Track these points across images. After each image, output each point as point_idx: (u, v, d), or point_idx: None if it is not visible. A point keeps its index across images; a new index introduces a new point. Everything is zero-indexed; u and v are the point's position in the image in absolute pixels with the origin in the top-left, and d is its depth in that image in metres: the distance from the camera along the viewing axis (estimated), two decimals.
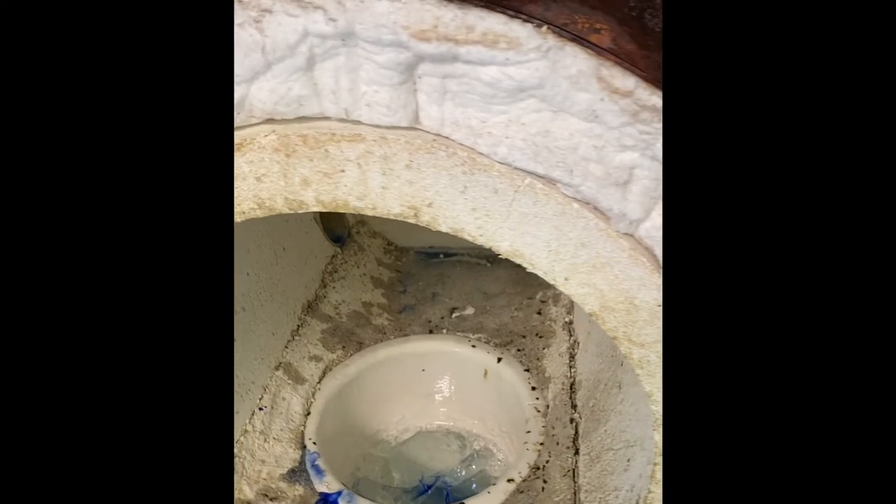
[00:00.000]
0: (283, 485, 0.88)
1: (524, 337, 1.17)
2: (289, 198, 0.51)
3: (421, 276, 1.42)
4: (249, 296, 0.99)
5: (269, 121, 0.49)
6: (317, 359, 1.10)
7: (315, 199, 0.50)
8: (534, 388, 1.05)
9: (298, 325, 1.14)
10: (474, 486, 1.14)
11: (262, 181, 0.50)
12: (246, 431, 0.91)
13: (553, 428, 0.97)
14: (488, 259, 1.48)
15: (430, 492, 1.13)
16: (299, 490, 0.88)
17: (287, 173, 0.49)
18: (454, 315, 1.27)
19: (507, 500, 0.87)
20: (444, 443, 1.25)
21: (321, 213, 1.39)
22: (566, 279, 0.52)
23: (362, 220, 1.48)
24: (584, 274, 0.51)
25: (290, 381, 1.03)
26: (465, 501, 0.87)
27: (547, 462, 0.93)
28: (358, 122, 0.48)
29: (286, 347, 1.07)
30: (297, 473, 0.90)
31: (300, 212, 0.51)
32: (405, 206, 0.51)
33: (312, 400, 1.04)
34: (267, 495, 0.85)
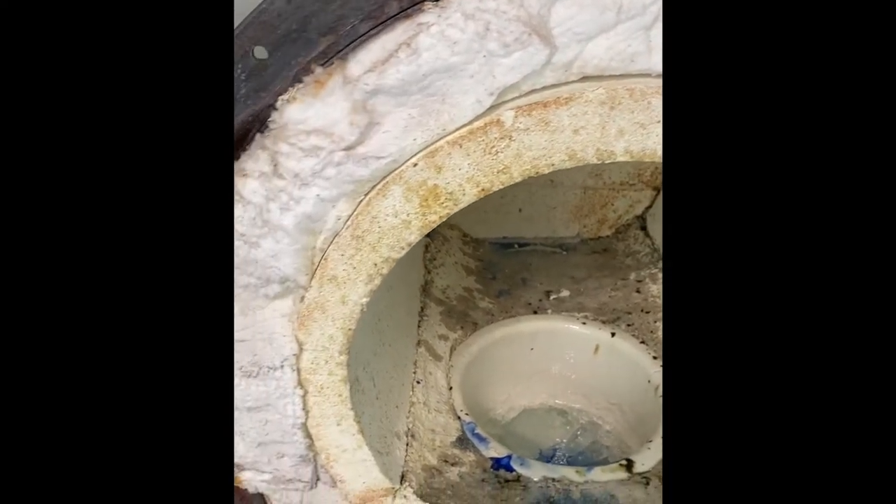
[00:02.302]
0: (456, 451, 0.91)
1: (630, 313, 1.24)
2: (600, 148, 0.56)
3: (504, 265, 1.47)
4: (388, 275, 1.03)
5: (585, 78, 0.54)
6: (444, 337, 1.14)
7: (625, 149, 0.56)
8: (655, 358, 1.12)
9: (422, 307, 1.17)
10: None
11: (579, 133, 0.55)
12: (413, 403, 0.94)
13: None
14: (562, 247, 1.55)
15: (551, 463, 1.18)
16: (471, 456, 0.91)
17: (605, 125, 0.55)
18: (551, 297, 1.33)
19: None
20: (547, 420, 1.30)
21: None
22: None
23: None
24: None
25: (431, 358, 1.06)
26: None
27: None
28: None
29: (419, 326, 1.11)
30: (464, 441, 0.93)
31: (607, 161, 0.57)
32: None
33: (449, 375, 1.07)
34: (447, 461, 0.88)
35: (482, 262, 1.47)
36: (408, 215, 0.59)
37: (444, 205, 0.58)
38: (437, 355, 1.08)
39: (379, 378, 0.84)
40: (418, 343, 1.07)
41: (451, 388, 1.04)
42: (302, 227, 0.60)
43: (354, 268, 0.62)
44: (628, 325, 1.20)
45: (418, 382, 0.98)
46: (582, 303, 1.29)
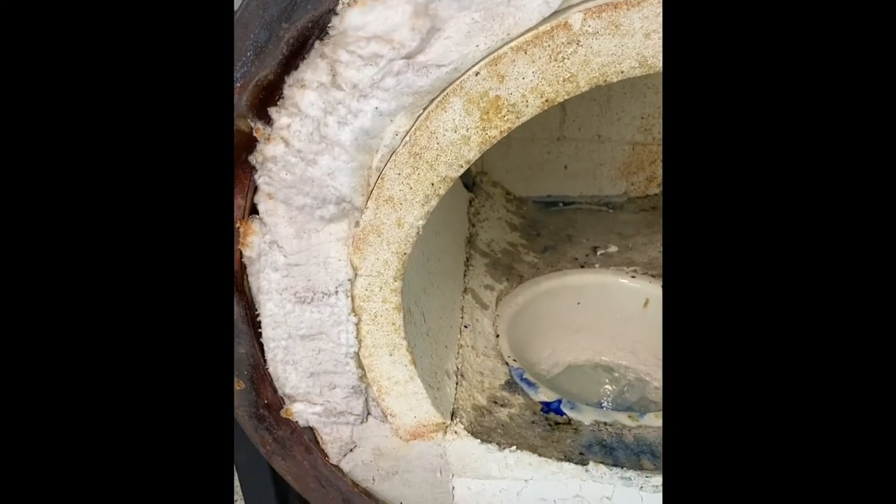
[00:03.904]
0: (505, 394, 0.90)
1: None
2: None
3: (548, 222, 1.44)
4: (436, 221, 1.01)
5: None
6: (490, 287, 1.12)
7: None
8: None
9: (467, 258, 1.16)
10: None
11: (650, 38, 0.52)
12: (461, 346, 0.93)
13: None
14: (608, 206, 1.51)
15: None
16: (520, 399, 0.90)
17: None
18: (598, 253, 1.30)
19: None
20: (593, 376, 1.28)
21: None
22: None
23: (483, 170, 1.50)
24: None
25: (477, 305, 1.05)
26: None
27: None
28: None
29: (465, 275, 1.10)
30: (512, 385, 0.92)
31: None
32: None
33: (496, 324, 1.06)
34: (496, 402, 0.87)
35: (526, 220, 1.45)
36: (467, 130, 0.57)
37: (506, 118, 0.56)
38: (483, 304, 1.07)
39: (429, 316, 0.83)
40: (465, 291, 1.05)
41: (497, 336, 1.03)
42: (360, 143, 0.58)
43: (411, 188, 0.60)
44: None
45: (466, 327, 0.97)
46: (631, 258, 1.26)
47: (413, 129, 0.58)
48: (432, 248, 0.93)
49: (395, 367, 0.72)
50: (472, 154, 0.59)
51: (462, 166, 0.59)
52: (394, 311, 0.68)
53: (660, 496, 0.78)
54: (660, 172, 1.47)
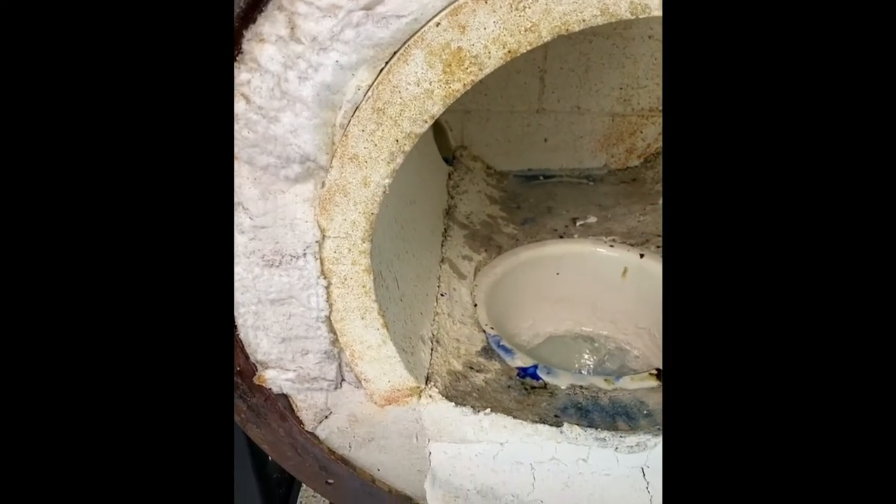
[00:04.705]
0: (481, 360, 0.90)
1: (659, 236, 1.20)
2: (634, 1, 0.52)
3: (529, 195, 1.44)
4: (410, 189, 1.01)
5: None
6: (468, 258, 1.12)
7: (661, 3, 0.52)
8: None
9: (445, 229, 1.15)
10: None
11: None
12: (437, 314, 0.93)
13: None
14: (589, 178, 1.51)
15: None
16: (497, 365, 0.90)
17: None
18: (578, 224, 1.30)
19: None
20: (573, 347, 1.28)
21: None
22: None
23: (462, 144, 1.49)
24: None
25: (454, 275, 1.04)
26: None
27: None
28: None
29: (443, 245, 1.09)
30: (489, 352, 0.92)
31: (641, 17, 0.53)
32: None
33: (474, 293, 1.06)
34: (472, 368, 0.87)
35: (506, 193, 1.44)
36: (430, 83, 0.56)
37: (469, 70, 0.56)
38: (461, 273, 1.07)
39: (403, 282, 0.83)
40: (442, 261, 1.05)
41: (475, 305, 1.02)
42: (322, 98, 0.58)
43: (376, 145, 0.60)
44: (657, 248, 1.17)
45: (442, 295, 0.97)
46: (610, 228, 1.26)
47: (375, 83, 0.57)
48: (406, 217, 0.92)
49: (367, 330, 0.72)
50: (437, 108, 0.58)
51: (426, 121, 0.59)
52: (364, 273, 0.68)
53: (635, 456, 0.78)
54: (639, 144, 1.47)
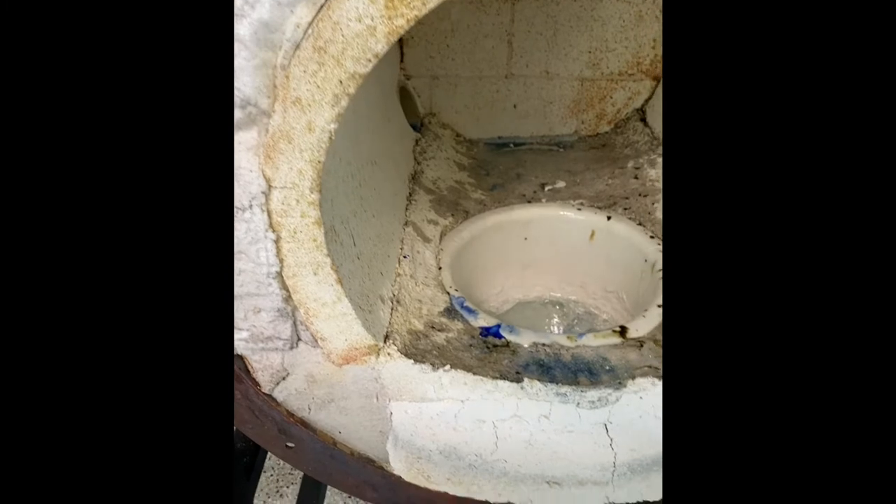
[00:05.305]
0: (444, 320, 0.88)
1: (627, 198, 1.19)
2: None
3: (498, 162, 1.42)
4: (372, 151, 0.98)
5: None
6: (434, 222, 1.10)
7: None
8: (652, 237, 1.08)
9: (410, 193, 1.13)
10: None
11: None
12: (399, 275, 0.91)
13: None
14: (559, 145, 1.49)
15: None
16: (459, 325, 0.89)
17: None
18: (546, 189, 1.28)
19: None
20: (542, 312, 1.28)
21: None
22: None
23: (431, 111, 1.47)
24: None
25: (419, 238, 1.03)
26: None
27: None
28: None
29: (407, 209, 1.07)
30: (452, 312, 0.91)
31: None
32: None
33: (439, 257, 1.04)
34: (434, 327, 0.86)
35: (475, 160, 1.43)
36: (372, 19, 0.54)
37: (412, 5, 0.53)
38: (425, 237, 1.05)
39: (360, 239, 0.81)
40: (406, 223, 1.03)
41: (440, 269, 1.01)
42: (260, 37, 0.55)
43: (319, 87, 0.57)
44: (625, 210, 1.16)
45: (405, 257, 0.95)
46: (578, 192, 1.25)
47: (315, 20, 0.55)
48: (366, 176, 0.90)
49: (321, 287, 0.70)
50: (380, 47, 0.56)
51: (370, 60, 0.56)
52: (314, 226, 0.66)
53: (597, 412, 0.78)
54: (609, 109, 1.46)
